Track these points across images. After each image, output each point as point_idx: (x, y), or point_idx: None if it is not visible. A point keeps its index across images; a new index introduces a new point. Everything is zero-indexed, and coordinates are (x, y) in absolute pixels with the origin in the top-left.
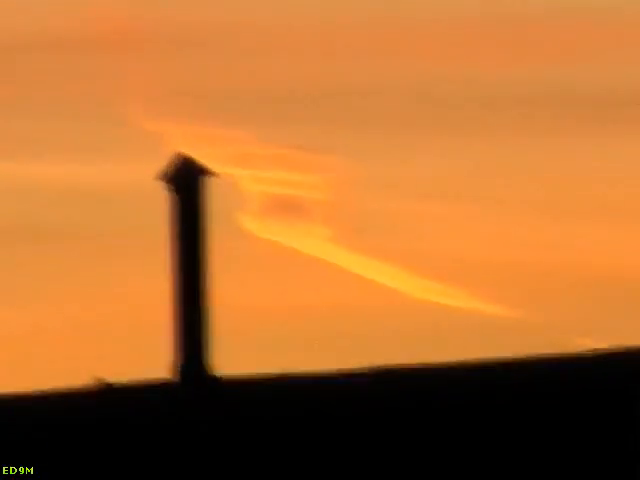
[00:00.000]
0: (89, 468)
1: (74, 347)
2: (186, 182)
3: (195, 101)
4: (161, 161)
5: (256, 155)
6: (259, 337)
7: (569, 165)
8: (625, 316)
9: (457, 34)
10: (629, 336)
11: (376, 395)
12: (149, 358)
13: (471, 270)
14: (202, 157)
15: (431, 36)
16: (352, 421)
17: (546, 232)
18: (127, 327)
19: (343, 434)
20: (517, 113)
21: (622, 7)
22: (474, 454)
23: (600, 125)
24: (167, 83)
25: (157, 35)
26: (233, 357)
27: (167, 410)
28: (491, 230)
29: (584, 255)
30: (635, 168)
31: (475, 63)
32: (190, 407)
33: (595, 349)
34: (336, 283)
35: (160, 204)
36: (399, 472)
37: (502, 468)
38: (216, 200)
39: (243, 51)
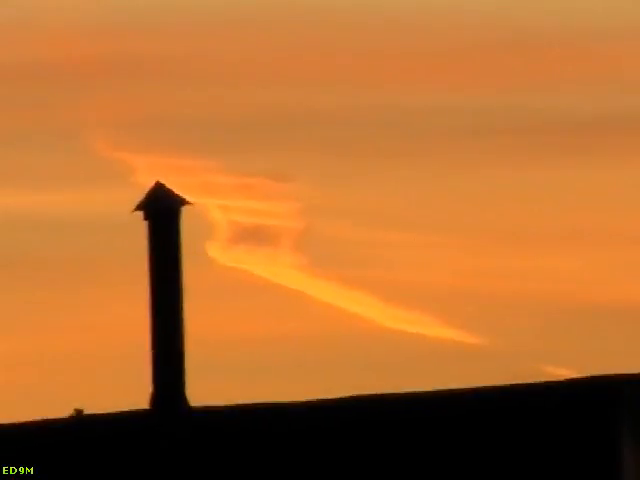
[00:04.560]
0: None
1: (51, 378)
2: (164, 211)
3: (161, 130)
4: (129, 191)
5: (223, 184)
6: (230, 367)
7: (536, 193)
8: (596, 344)
9: (425, 63)
10: (599, 364)
11: (348, 424)
12: (128, 388)
13: (442, 298)
14: (170, 186)
15: (398, 65)
16: (323, 451)
17: (516, 260)
18: (107, 357)
19: (314, 464)
20: (483, 142)
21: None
22: None
23: (565, 153)
24: (133, 113)
25: (123, 65)
26: (206, 387)
27: (140, 440)
28: (461, 259)
29: (553, 283)
30: (599, 196)
31: (445, 92)
32: (163, 438)
33: (567, 378)
34: (306, 312)
35: (131, 233)
36: None
37: None
38: (185, 229)
39: (208, 80)
